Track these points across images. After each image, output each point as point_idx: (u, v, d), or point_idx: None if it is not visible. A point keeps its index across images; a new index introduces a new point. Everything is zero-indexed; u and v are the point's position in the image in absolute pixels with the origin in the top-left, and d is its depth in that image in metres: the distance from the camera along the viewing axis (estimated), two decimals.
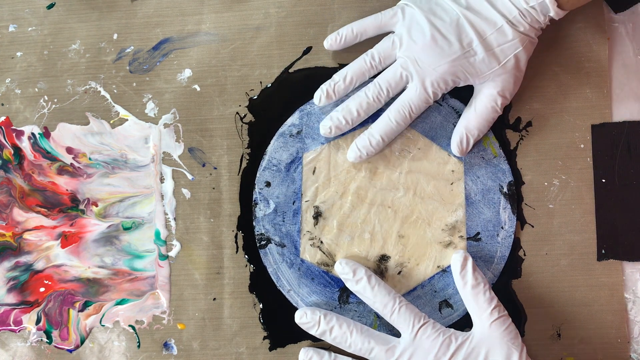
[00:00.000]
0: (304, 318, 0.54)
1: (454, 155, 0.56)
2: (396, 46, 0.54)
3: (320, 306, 0.56)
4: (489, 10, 0.52)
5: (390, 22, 0.55)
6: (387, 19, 0.55)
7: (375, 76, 0.56)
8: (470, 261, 0.53)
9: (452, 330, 0.52)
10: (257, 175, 0.57)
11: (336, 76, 0.56)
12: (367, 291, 0.53)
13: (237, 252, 0.58)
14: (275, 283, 0.57)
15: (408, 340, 0.52)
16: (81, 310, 0.58)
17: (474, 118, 0.55)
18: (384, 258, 0.56)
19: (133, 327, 0.58)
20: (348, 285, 0.54)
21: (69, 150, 0.59)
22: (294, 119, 0.58)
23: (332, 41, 0.57)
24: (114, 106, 0.60)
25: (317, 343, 0.57)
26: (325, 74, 0.58)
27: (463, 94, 0.56)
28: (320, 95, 0.56)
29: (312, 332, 0.54)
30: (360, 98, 0.55)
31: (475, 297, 0.52)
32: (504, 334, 0.51)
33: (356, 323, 0.53)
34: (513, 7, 0.52)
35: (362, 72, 0.55)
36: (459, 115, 0.57)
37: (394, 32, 0.56)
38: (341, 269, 0.54)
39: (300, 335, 0.57)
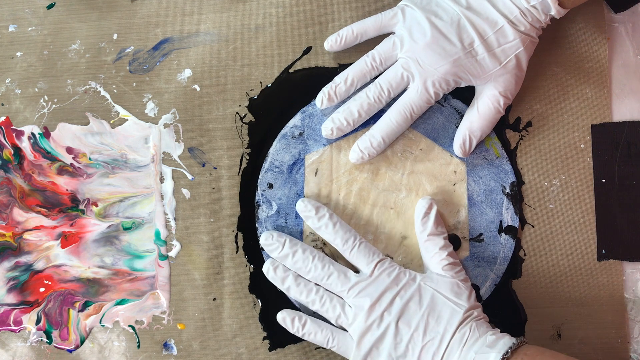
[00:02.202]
0: (269, 239, 0.54)
1: (457, 156, 0.56)
2: (397, 47, 0.54)
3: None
4: (490, 10, 0.52)
5: (391, 23, 0.55)
6: (388, 19, 0.55)
7: (376, 77, 0.55)
8: (434, 210, 0.53)
9: (407, 269, 0.53)
10: (260, 177, 0.57)
11: (337, 78, 0.56)
12: (329, 228, 0.53)
13: (237, 252, 0.58)
14: None
15: (365, 274, 0.52)
16: (81, 310, 0.58)
17: (477, 119, 0.55)
18: None
19: (133, 327, 0.58)
20: (309, 222, 0.54)
21: (69, 150, 0.59)
22: (295, 120, 0.58)
23: (333, 42, 0.57)
24: (114, 106, 0.60)
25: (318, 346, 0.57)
26: (326, 74, 0.58)
27: (465, 95, 0.56)
28: (322, 98, 0.56)
29: (275, 254, 0.54)
30: (361, 99, 0.55)
31: (431, 243, 0.52)
32: (455, 276, 0.52)
33: (319, 252, 0.54)
34: (514, 7, 0.52)
35: (363, 74, 0.55)
36: (461, 116, 0.57)
37: (394, 33, 0.56)
38: (303, 207, 0.55)
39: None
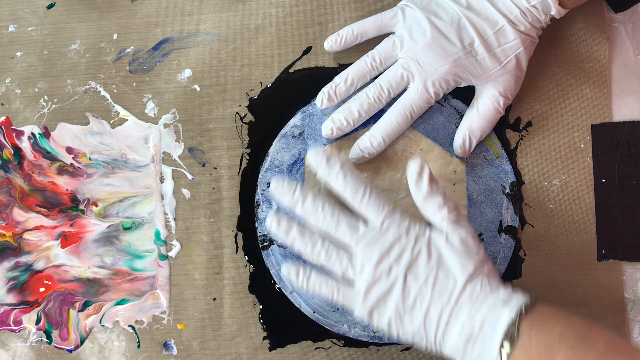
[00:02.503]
0: (280, 185, 0.51)
1: (457, 156, 0.56)
2: (397, 47, 0.54)
3: (323, 308, 0.56)
4: (490, 10, 0.52)
5: (391, 23, 0.55)
6: (388, 19, 0.55)
7: (376, 77, 0.55)
8: (427, 170, 0.50)
9: (417, 222, 0.50)
10: (259, 176, 0.57)
11: (337, 78, 0.56)
12: (339, 178, 0.50)
13: (237, 252, 0.58)
14: (278, 284, 0.57)
15: (374, 225, 0.50)
16: (81, 310, 0.58)
17: (477, 119, 0.55)
18: None
19: (133, 327, 0.58)
20: (319, 172, 0.51)
21: (69, 150, 0.59)
22: (295, 120, 0.58)
23: (333, 42, 0.57)
24: (114, 106, 0.60)
25: (317, 344, 0.57)
26: (326, 74, 0.58)
27: (465, 95, 0.56)
28: (322, 98, 0.56)
29: (285, 200, 0.51)
30: (361, 99, 0.55)
31: (431, 204, 0.50)
32: (462, 231, 0.49)
33: (329, 200, 0.51)
34: (514, 7, 0.52)
35: (363, 74, 0.55)
36: (461, 116, 0.57)
37: (394, 33, 0.56)
38: (314, 156, 0.51)
39: (300, 336, 0.57)
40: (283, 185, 0.51)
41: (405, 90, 0.55)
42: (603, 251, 0.56)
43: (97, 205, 0.59)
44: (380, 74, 0.55)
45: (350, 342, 0.57)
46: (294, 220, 0.51)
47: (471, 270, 0.47)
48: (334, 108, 0.56)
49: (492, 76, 0.54)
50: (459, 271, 0.48)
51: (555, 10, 0.52)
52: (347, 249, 0.50)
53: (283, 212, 0.53)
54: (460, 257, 0.48)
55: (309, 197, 0.50)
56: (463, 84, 0.54)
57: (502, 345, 0.44)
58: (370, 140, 0.55)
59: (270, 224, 0.51)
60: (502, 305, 0.45)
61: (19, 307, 0.58)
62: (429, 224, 0.50)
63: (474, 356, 0.46)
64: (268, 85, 0.59)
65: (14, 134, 0.60)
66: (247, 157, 0.59)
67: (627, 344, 0.43)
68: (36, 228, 0.59)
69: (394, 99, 0.55)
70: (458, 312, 0.47)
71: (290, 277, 0.51)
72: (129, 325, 0.58)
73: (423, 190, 0.50)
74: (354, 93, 0.56)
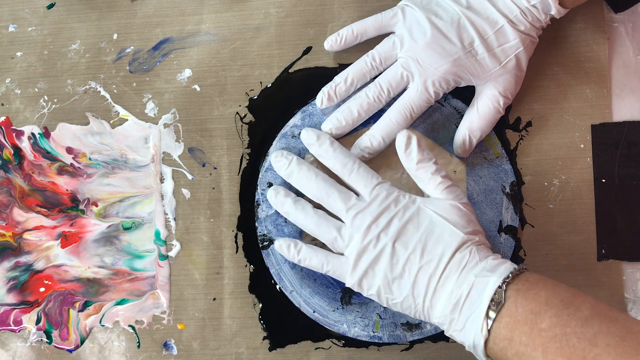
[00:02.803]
0: (279, 157, 0.54)
1: (456, 156, 0.56)
2: (397, 46, 0.54)
3: (323, 307, 0.56)
4: (490, 10, 0.52)
5: (391, 23, 0.55)
6: (388, 19, 0.55)
7: (376, 77, 0.55)
8: (414, 139, 0.51)
9: (407, 193, 0.51)
10: (260, 176, 0.57)
11: (337, 78, 0.56)
12: (329, 153, 0.53)
13: (237, 252, 0.58)
14: (278, 284, 0.57)
15: (365, 196, 0.51)
16: (81, 310, 0.58)
17: (477, 119, 0.55)
18: None
19: (133, 327, 0.58)
20: (312, 150, 0.54)
21: (69, 150, 0.59)
22: (295, 120, 0.58)
23: (333, 42, 0.57)
24: (114, 106, 0.60)
25: (317, 344, 0.57)
26: (326, 74, 0.58)
27: (465, 95, 0.56)
28: (322, 98, 0.56)
29: (282, 171, 0.54)
30: (360, 99, 0.55)
31: (422, 171, 0.51)
32: (455, 198, 0.50)
33: (323, 173, 0.53)
34: (514, 6, 0.52)
35: (362, 73, 0.55)
36: (461, 116, 0.57)
37: (394, 33, 0.56)
38: (306, 135, 0.54)
39: (300, 336, 0.57)
40: (281, 157, 0.54)
41: (405, 90, 0.55)
42: (603, 251, 0.56)
43: (97, 205, 0.59)
44: (380, 74, 0.55)
45: (350, 342, 0.57)
46: (291, 192, 0.54)
47: (461, 239, 0.48)
48: (333, 108, 0.56)
49: (492, 76, 0.54)
50: (448, 239, 0.48)
51: (555, 10, 0.52)
52: (338, 218, 0.52)
53: (283, 185, 0.55)
54: (451, 226, 0.49)
55: (304, 169, 0.53)
56: (463, 84, 0.54)
57: (488, 311, 0.45)
58: (370, 140, 0.55)
59: (270, 196, 0.54)
60: (490, 273, 0.46)
61: (19, 307, 0.58)
62: (423, 195, 0.52)
63: (460, 322, 0.46)
64: (268, 85, 0.59)
65: (14, 134, 0.60)
66: (247, 157, 0.59)
67: (611, 309, 0.43)
68: (36, 228, 0.59)
69: (394, 99, 0.55)
70: (445, 279, 0.47)
71: (282, 251, 0.53)
72: (129, 325, 0.58)
73: (413, 158, 0.51)
74: (354, 93, 0.56)
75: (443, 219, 0.49)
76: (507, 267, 0.46)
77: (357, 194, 0.52)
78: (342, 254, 0.51)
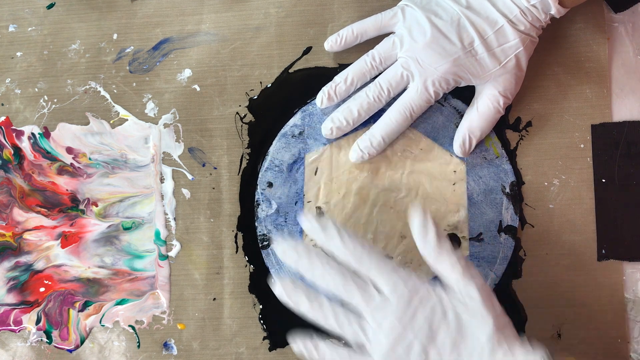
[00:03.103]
0: (286, 250, 0.49)
1: (456, 156, 0.56)
2: (397, 46, 0.54)
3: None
4: (490, 10, 0.52)
5: (391, 23, 0.55)
6: (388, 19, 0.55)
7: (376, 77, 0.55)
8: (431, 226, 0.48)
9: (432, 285, 0.48)
10: (259, 175, 0.57)
11: (337, 78, 0.56)
12: (339, 247, 0.48)
13: (237, 252, 0.58)
14: None
15: (384, 290, 0.48)
16: (81, 310, 0.58)
17: (477, 119, 0.55)
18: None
19: (133, 327, 0.58)
20: (318, 242, 0.49)
21: (69, 150, 0.59)
22: (295, 119, 0.58)
23: (333, 42, 0.57)
24: (114, 106, 0.60)
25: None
26: (326, 74, 0.58)
27: (465, 94, 0.56)
28: (322, 98, 0.56)
29: (293, 265, 0.49)
30: (360, 98, 0.55)
31: (442, 264, 0.48)
32: (476, 289, 0.47)
33: (338, 266, 0.48)
34: (514, 6, 0.52)
35: (362, 73, 0.55)
36: (461, 116, 0.57)
37: (394, 33, 0.56)
38: (309, 225, 0.49)
39: None
40: (289, 251, 0.49)
41: (405, 89, 0.55)
42: (603, 251, 0.56)
43: (97, 205, 0.59)
44: (380, 74, 0.55)
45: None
46: (302, 287, 0.49)
47: (491, 331, 0.46)
48: (334, 108, 0.56)
49: (491, 76, 0.54)
50: (479, 335, 0.46)
51: (555, 10, 0.52)
52: (357, 312, 0.48)
53: (289, 275, 0.51)
54: (478, 320, 0.46)
55: (316, 262, 0.48)
56: (463, 84, 0.54)
57: None
58: (370, 140, 0.55)
59: (280, 294, 0.49)
60: None
61: (19, 307, 0.58)
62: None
63: None
64: (268, 85, 0.59)
65: (14, 134, 0.60)
66: (247, 157, 0.59)
67: None
68: (36, 228, 0.59)
69: (394, 99, 0.55)
70: None
71: (299, 350, 0.49)
72: (129, 325, 0.58)
73: (432, 251, 0.48)
74: (354, 93, 0.56)
75: (470, 313, 0.47)
76: (542, 354, 0.45)
77: (373, 282, 0.48)
78: (363, 347, 0.48)
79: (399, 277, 0.48)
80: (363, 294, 0.48)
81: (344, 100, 0.56)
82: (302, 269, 0.49)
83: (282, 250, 0.49)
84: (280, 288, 0.49)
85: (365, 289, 0.48)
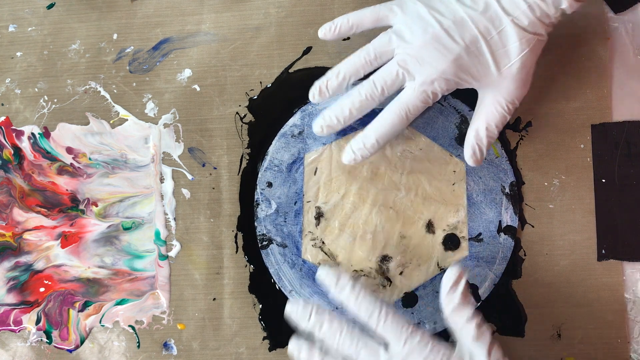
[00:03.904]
0: (295, 310, 0.50)
1: (456, 156, 0.56)
2: (394, 42, 0.52)
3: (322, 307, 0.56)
4: (495, 8, 0.50)
5: (389, 15, 0.52)
6: (386, 11, 0.52)
7: (372, 73, 0.53)
8: (463, 281, 0.48)
9: (439, 340, 0.49)
10: (259, 175, 0.57)
11: (329, 73, 0.53)
12: (351, 300, 0.49)
13: (237, 252, 0.58)
14: (277, 283, 0.57)
15: (396, 350, 0.48)
16: (81, 310, 0.58)
17: (483, 127, 0.52)
18: (385, 259, 0.56)
19: (133, 327, 0.58)
20: (331, 293, 0.51)
21: (69, 150, 0.59)
22: (295, 119, 0.58)
23: (326, 30, 0.54)
24: (114, 106, 0.60)
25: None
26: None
27: (465, 94, 0.56)
28: (313, 93, 0.53)
29: (302, 324, 0.50)
30: (353, 96, 0.52)
31: (459, 317, 0.48)
32: (488, 349, 0.47)
33: (347, 324, 0.50)
34: (521, 1, 0.49)
35: (355, 69, 0.52)
36: (461, 116, 0.57)
37: (392, 27, 0.53)
38: (325, 277, 0.51)
39: None
40: (298, 311, 0.50)
41: (402, 88, 0.52)
42: (603, 251, 0.56)
43: (97, 205, 0.59)
44: (376, 70, 0.53)
45: None
46: (313, 347, 0.50)
47: None
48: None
49: (495, 80, 0.51)
50: None
51: (566, 4, 0.49)
52: None
53: (301, 336, 0.51)
54: None
55: (326, 322, 0.49)
56: (464, 86, 0.52)
57: None
58: (363, 142, 0.52)
59: (291, 355, 0.50)
60: None
61: (19, 307, 0.58)
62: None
63: None
64: (268, 85, 0.59)
65: (14, 134, 0.60)
66: (247, 157, 0.59)
67: None
68: (36, 228, 0.59)
69: (391, 98, 0.52)
70: None
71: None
72: (129, 325, 0.58)
73: (454, 302, 0.48)
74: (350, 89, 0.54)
75: None
76: None
77: (384, 341, 0.49)
78: None
79: (412, 337, 0.48)
80: (371, 352, 0.48)
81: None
82: (313, 328, 0.50)
83: (292, 310, 0.50)
84: (293, 345, 0.50)
85: (374, 348, 0.48)
